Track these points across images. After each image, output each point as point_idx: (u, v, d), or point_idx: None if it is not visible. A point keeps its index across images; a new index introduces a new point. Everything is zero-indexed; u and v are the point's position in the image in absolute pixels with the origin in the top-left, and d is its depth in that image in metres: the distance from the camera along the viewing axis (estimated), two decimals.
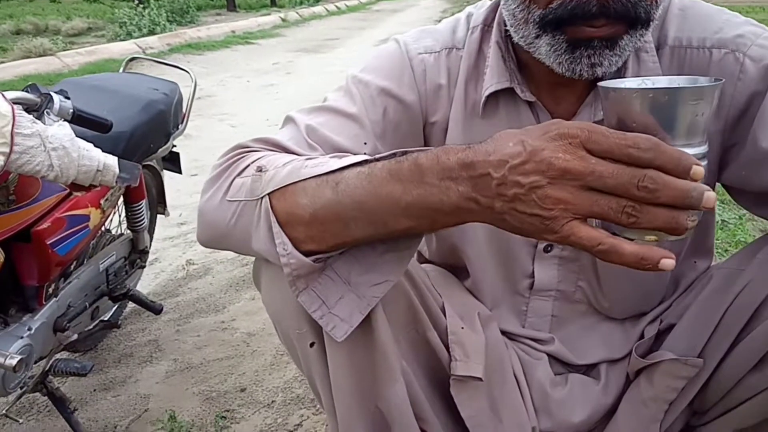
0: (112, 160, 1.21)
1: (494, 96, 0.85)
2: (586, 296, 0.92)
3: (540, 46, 0.73)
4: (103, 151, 1.25)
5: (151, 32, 12.01)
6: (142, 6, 14.03)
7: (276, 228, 0.68)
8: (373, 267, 0.69)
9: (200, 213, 0.79)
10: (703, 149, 0.56)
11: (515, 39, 0.78)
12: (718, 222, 2.44)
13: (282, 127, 0.88)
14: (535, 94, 0.84)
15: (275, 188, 0.69)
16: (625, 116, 0.56)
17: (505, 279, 0.94)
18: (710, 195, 0.50)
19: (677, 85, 0.59)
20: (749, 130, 0.76)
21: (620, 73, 0.79)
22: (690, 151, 0.54)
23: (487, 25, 0.89)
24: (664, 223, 0.50)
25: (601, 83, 0.59)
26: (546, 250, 0.90)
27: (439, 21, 0.97)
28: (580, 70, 0.71)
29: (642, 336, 0.94)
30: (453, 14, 0.90)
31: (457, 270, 1.01)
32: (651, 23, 0.71)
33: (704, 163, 0.54)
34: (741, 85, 0.76)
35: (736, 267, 0.83)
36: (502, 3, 0.80)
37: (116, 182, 1.23)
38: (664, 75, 0.79)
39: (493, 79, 0.84)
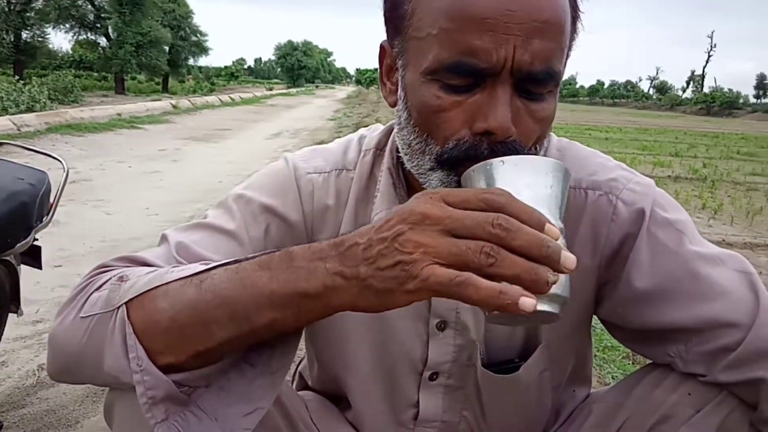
0: None
1: None
2: (470, 427, 0.91)
3: (432, 179, 0.74)
4: None
5: (30, 109, 11.44)
6: (22, 82, 13.43)
7: (131, 339, 0.63)
8: (243, 396, 0.65)
9: (50, 339, 0.71)
10: (558, 223, 0.59)
11: (408, 166, 0.78)
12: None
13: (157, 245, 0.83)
14: None
15: (134, 295, 0.64)
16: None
17: (388, 409, 0.91)
18: (570, 256, 0.53)
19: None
20: (623, 269, 0.80)
21: None
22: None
23: (379, 149, 0.90)
24: (524, 271, 0.51)
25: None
26: (431, 378, 0.88)
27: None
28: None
29: None
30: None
31: (339, 399, 0.97)
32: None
33: (561, 236, 0.57)
34: (614, 226, 0.81)
35: (614, 401, 0.85)
36: (396, 130, 0.81)
37: None
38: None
39: (383, 205, 0.85)
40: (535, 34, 0.65)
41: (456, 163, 0.70)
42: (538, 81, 0.67)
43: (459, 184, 0.71)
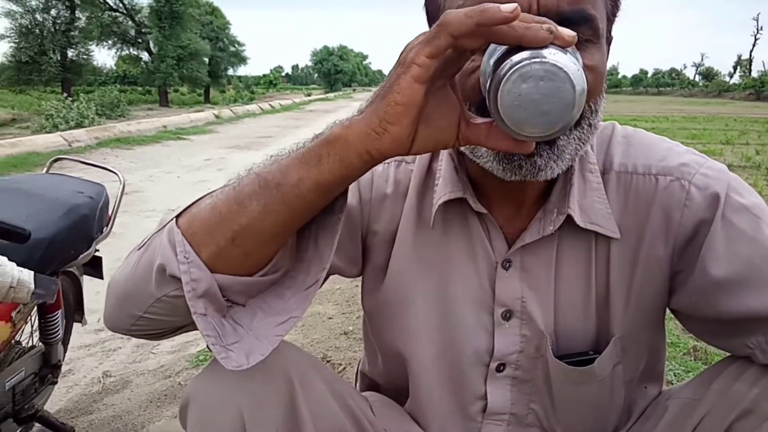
0: (27, 275, 1.12)
1: (445, 208, 0.85)
2: (539, 420, 0.89)
3: (483, 151, 0.73)
4: (19, 259, 1.17)
5: (79, 125, 11.83)
6: (70, 99, 13.90)
7: (178, 236, 0.66)
8: (277, 311, 0.69)
9: (109, 283, 0.76)
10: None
11: (462, 148, 0.78)
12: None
13: None
14: (487, 205, 0.84)
15: (182, 209, 0.70)
16: None
17: (455, 402, 0.90)
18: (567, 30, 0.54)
19: None
20: (697, 257, 0.77)
21: (567, 190, 0.80)
22: None
23: None
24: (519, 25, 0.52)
25: None
26: (498, 369, 0.87)
27: None
28: (522, 171, 0.71)
29: None
30: None
31: (402, 395, 0.96)
32: (588, 129, 0.72)
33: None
34: (687, 212, 0.78)
35: (691, 397, 0.82)
36: None
37: (31, 298, 1.13)
38: (611, 200, 0.82)
39: (446, 189, 0.84)
40: None
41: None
42: (570, 23, 0.63)
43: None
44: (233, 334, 0.67)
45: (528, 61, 0.52)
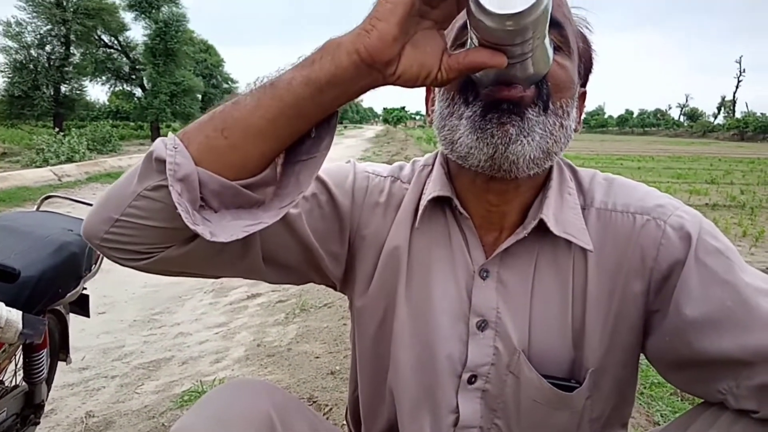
0: (15, 315, 1.12)
1: (431, 210, 0.89)
2: None
3: (461, 129, 0.77)
4: (6, 298, 1.17)
5: (70, 159, 11.83)
6: (62, 133, 13.92)
7: (171, 136, 0.68)
8: (247, 217, 0.70)
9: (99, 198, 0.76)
10: None
11: (442, 143, 0.82)
12: None
13: None
14: (469, 210, 0.87)
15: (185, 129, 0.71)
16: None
17: (430, 416, 0.90)
18: None
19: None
20: (672, 297, 0.79)
21: (541, 205, 0.84)
22: None
23: (431, 165, 0.94)
24: None
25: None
26: (470, 381, 0.87)
27: (362, 158, 1.03)
28: (495, 139, 0.74)
29: None
30: (374, 152, 0.96)
31: (383, 412, 0.97)
32: (558, 125, 0.77)
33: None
34: (663, 250, 0.81)
35: None
36: (435, 121, 0.84)
37: (18, 339, 1.13)
38: (591, 234, 0.85)
39: (435, 188, 0.88)
40: None
41: (478, 93, 0.75)
42: None
43: (482, 110, 0.75)
44: (202, 224, 0.67)
45: None
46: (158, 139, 0.69)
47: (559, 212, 0.84)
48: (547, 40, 0.67)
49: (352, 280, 0.95)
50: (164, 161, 0.66)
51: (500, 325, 0.85)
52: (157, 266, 0.75)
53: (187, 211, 0.65)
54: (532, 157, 0.75)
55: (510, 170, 0.76)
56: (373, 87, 0.67)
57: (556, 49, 0.76)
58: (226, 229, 0.67)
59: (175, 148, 0.67)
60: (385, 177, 0.94)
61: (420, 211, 0.88)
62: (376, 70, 0.64)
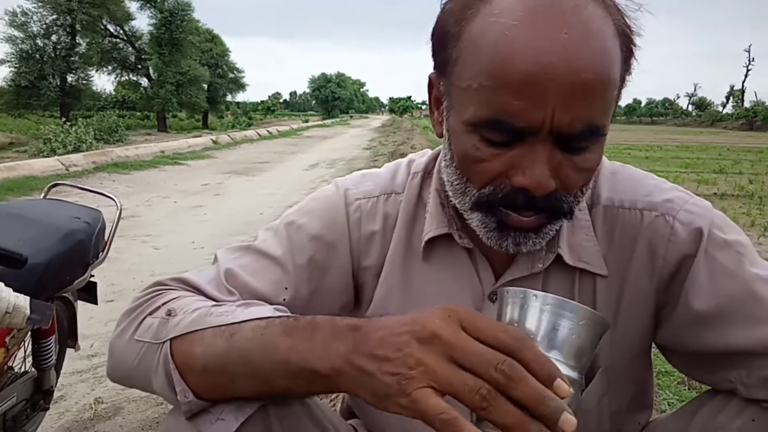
0: (23, 301, 1.12)
1: (434, 241, 0.87)
2: None
3: (473, 218, 0.76)
4: (14, 284, 1.17)
5: (77, 149, 11.86)
6: (69, 123, 13.95)
7: (176, 376, 0.70)
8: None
9: (110, 349, 0.81)
10: (574, 374, 0.58)
11: (453, 201, 0.80)
12: None
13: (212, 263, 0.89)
14: (473, 240, 0.85)
15: (176, 335, 0.72)
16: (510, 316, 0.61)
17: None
18: (570, 419, 0.51)
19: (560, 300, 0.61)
20: (681, 291, 0.79)
21: (556, 235, 0.82)
22: (561, 367, 0.55)
23: (427, 172, 0.92)
24: (515, 423, 0.50)
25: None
26: None
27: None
28: (506, 247, 0.75)
29: None
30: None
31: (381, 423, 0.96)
32: (573, 215, 0.76)
33: (572, 391, 0.54)
34: (672, 246, 0.80)
35: (675, 428, 0.83)
36: (442, 163, 0.82)
37: (26, 324, 1.14)
38: (598, 234, 0.84)
39: (432, 225, 0.86)
40: (575, 96, 0.63)
41: (493, 207, 0.72)
42: (579, 139, 0.67)
43: (497, 226, 0.73)
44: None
45: None
46: (160, 368, 0.72)
47: (572, 236, 0.83)
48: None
49: (359, 307, 0.95)
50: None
51: None
52: None
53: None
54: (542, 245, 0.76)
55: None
56: None
57: (587, 148, 0.69)
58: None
59: (187, 398, 0.70)
60: (377, 197, 0.91)
61: (422, 247, 0.87)
62: None
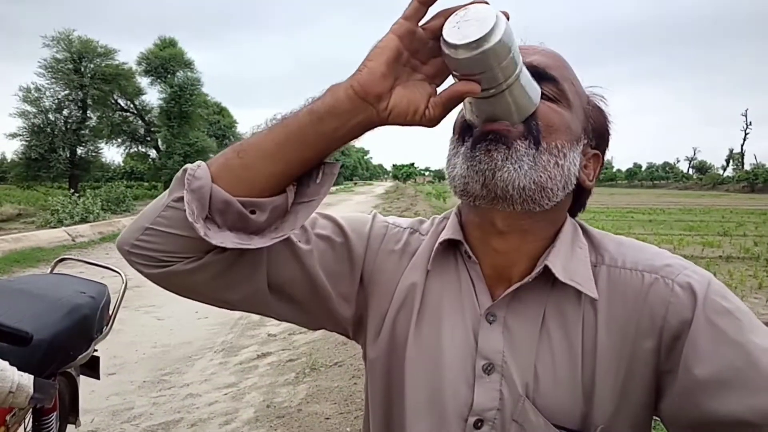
0: (26, 380, 1.13)
1: (443, 253, 0.92)
2: None
3: (458, 164, 0.82)
4: (18, 360, 1.18)
5: (84, 220, 11.99)
6: (77, 194, 14.17)
7: (196, 164, 0.77)
8: (247, 239, 0.78)
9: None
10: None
11: (449, 183, 0.86)
12: None
13: None
14: (478, 262, 0.90)
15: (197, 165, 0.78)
16: None
17: None
18: None
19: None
20: (681, 356, 0.79)
21: (548, 254, 0.86)
22: None
23: (446, 217, 0.98)
24: None
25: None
26: (476, 425, 0.86)
27: (371, 214, 1.07)
28: (479, 158, 0.79)
29: None
30: (384, 209, 1.00)
31: None
32: (551, 161, 0.81)
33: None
34: (672, 308, 0.81)
35: None
36: (445, 169, 0.90)
37: (29, 403, 1.14)
38: (601, 292, 0.86)
39: (448, 232, 0.91)
40: (536, 53, 0.84)
41: (472, 128, 0.81)
42: (539, 77, 0.80)
43: (473, 143, 0.80)
44: (202, 225, 0.75)
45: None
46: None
47: (568, 262, 0.86)
48: (524, 80, 0.76)
49: (365, 325, 0.96)
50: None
51: (506, 369, 0.85)
52: (174, 279, 0.82)
53: (193, 213, 0.75)
54: (522, 185, 0.79)
55: (504, 197, 0.79)
56: (370, 124, 0.76)
57: (552, 99, 0.82)
58: (220, 236, 0.76)
59: (199, 166, 0.77)
60: (404, 228, 0.98)
61: (433, 253, 0.91)
62: (369, 104, 0.73)
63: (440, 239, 0.91)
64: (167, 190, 0.80)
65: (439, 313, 0.90)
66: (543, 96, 0.81)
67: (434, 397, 0.89)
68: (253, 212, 0.77)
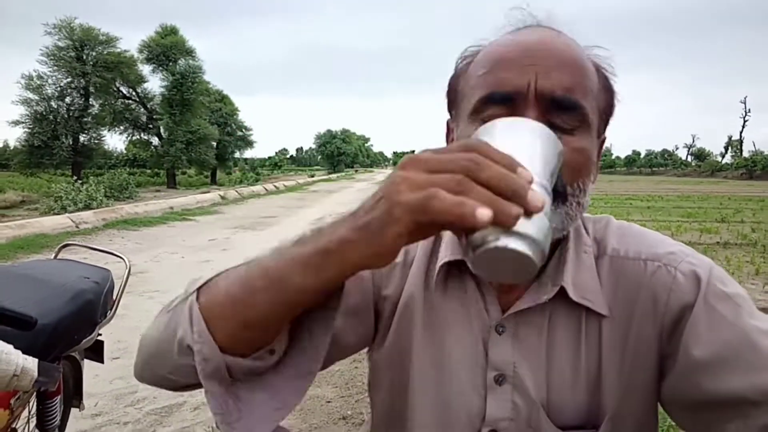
0: (31, 363, 1.16)
1: (447, 270, 0.91)
2: None
3: (468, 260, 0.80)
4: (22, 345, 1.21)
5: (87, 206, 12.01)
6: (80, 181, 14.18)
7: (196, 313, 0.71)
8: (275, 392, 0.73)
9: (141, 339, 0.82)
10: (536, 179, 0.59)
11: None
12: None
13: None
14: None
15: (203, 282, 0.74)
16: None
17: None
18: (538, 196, 0.54)
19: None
20: (681, 340, 0.81)
21: (562, 266, 0.86)
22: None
23: None
24: (488, 201, 0.53)
25: None
26: None
27: None
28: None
29: None
30: None
31: None
32: (575, 207, 0.80)
33: (540, 190, 0.57)
34: (674, 295, 0.83)
35: None
36: None
37: (33, 386, 1.17)
38: (603, 282, 0.87)
39: (447, 251, 0.90)
40: (553, 67, 0.76)
41: None
42: (562, 109, 0.76)
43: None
44: (236, 411, 0.72)
45: (487, 246, 0.55)
46: (185, 310, 0.73)
47: (577, 275, 0.86)
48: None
49: (374, 336, 0.98)
50: (192, 349, 0.71)
51: (517, 378, 0.86)
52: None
53: (224, 420, 0.71)
54: (543, 258, 0.77)
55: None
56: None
57: (572, 131, 0.78)
58: (259, 417, 0.73)
59: (201, 338, 0.71)
60: None
61: (435, 274, 0.91)
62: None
63: (441, 261, 0.91)
64: (169, 333, 0.76)
65: (444, 324, 0.91)
66: (563, 130, 0.76)
67: (442, 408, 0.90)
68: (271, 352, 0.74)
